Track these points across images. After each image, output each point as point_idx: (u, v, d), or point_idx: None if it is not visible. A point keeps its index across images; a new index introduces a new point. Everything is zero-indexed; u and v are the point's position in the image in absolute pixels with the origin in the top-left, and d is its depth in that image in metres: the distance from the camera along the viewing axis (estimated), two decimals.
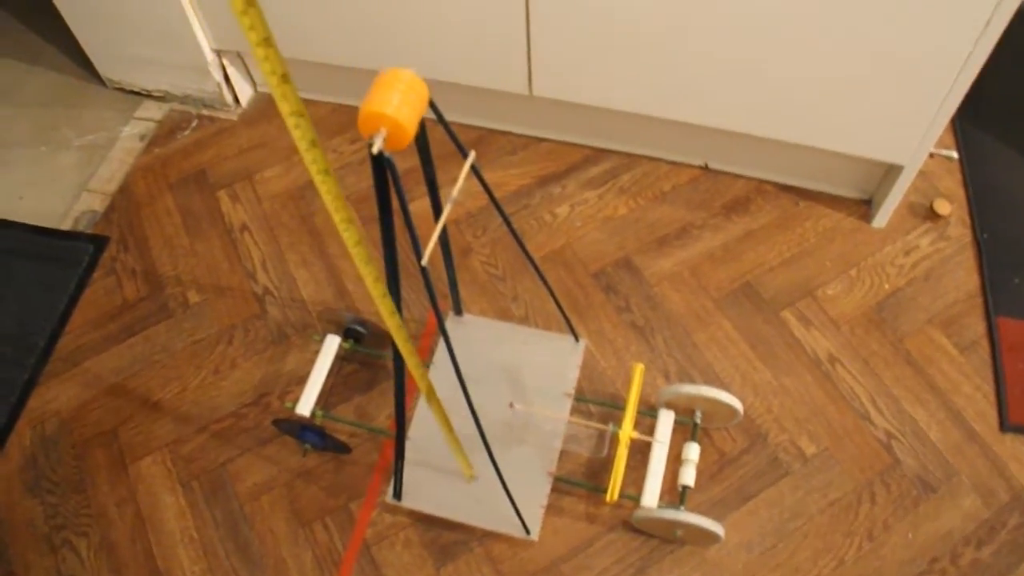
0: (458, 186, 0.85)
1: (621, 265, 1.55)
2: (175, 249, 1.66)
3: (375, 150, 0.72)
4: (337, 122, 1.80)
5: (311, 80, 1.80)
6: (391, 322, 0.89)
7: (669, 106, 1.48)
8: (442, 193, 1.02)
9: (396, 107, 0.72)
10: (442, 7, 1.43)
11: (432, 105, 0.79)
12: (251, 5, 0.56)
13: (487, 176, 1.66)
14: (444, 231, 1.02)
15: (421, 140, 0.87)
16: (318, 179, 0.71)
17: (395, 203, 0.79)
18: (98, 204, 1.75)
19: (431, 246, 0.80)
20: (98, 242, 1.69)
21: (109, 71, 1.88)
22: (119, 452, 1.44)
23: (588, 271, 1.55)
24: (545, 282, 1.19)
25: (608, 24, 1.36)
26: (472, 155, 0.88)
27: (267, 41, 0.59)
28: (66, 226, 1.72)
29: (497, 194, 1.64)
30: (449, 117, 1.75)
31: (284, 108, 0.64)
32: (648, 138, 1.64)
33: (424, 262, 0.80)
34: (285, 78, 0.62)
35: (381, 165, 0.75)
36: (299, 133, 0.67)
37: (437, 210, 1.03)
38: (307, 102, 1.84)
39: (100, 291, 1.62)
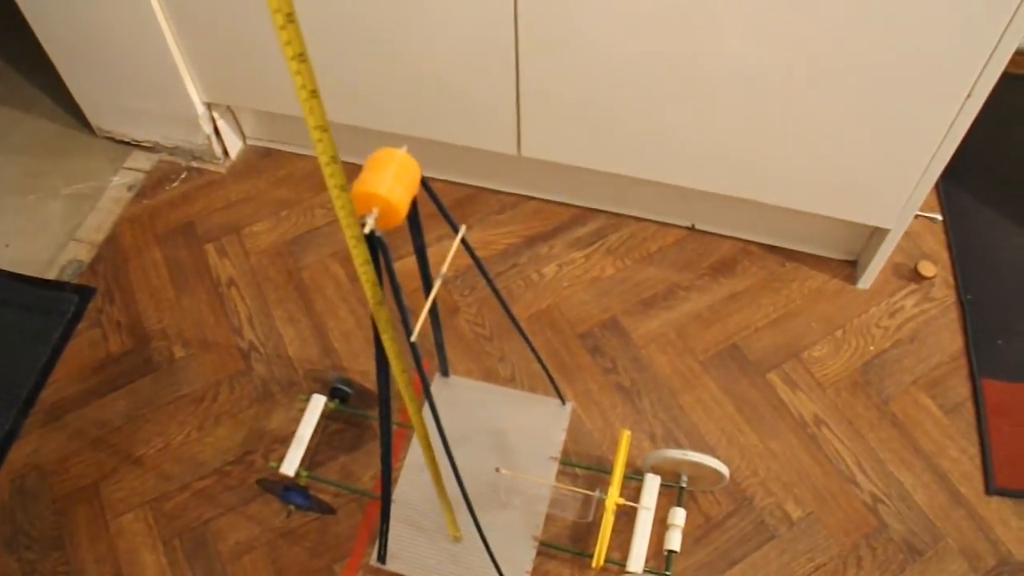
0: (447, 262, 0.86)
1: (608, 326, 1.56)
2: (161, 302, 1.65)
3: (367, 229, 0.73)
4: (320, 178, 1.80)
5: (296, 135, 1.81)
6: (390, 350, 0.89)
7: (655, 168, 1.49)
8: (430, 251, 1.03)
9: (389, 187, 0.73)
10: (434, 68, 1.44)
11: (424, 184, 0.79)
12: (291, 21, 0.57)
13: (475, 235, 1.68)
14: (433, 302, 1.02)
15: (412, 216, 0.87)
16: (334, 193, 0.70)
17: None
18: (84, 254, 1.74)
19: (420, 322, 0.81)
20: (84, 293, 1.68)
21: (99, 121, 1.89)
22: (100, 508, 1.42)
23: (575, 332, 1.56)
24: (530, 345, 1.19)
25: (595, 89, 1.38)
26: (463, 230, 0.89)
27: (301, 56, 0.60)
28: (52, 275, 1.72)
29: (484, 253, 1.65)
30: (438, 175, 1.76)
31: (310, 122, 0.64)
32: (635, 199, 1.66)
33: (413, 338, 0.80)
34: (314, 94, 0.63)
35: (373, 244, 0.76)
36: (321, 147, 0.67)
37: (427, 279, 1.03)
38: (296, 156, 1.85)
39: (84, 343, 1.61)
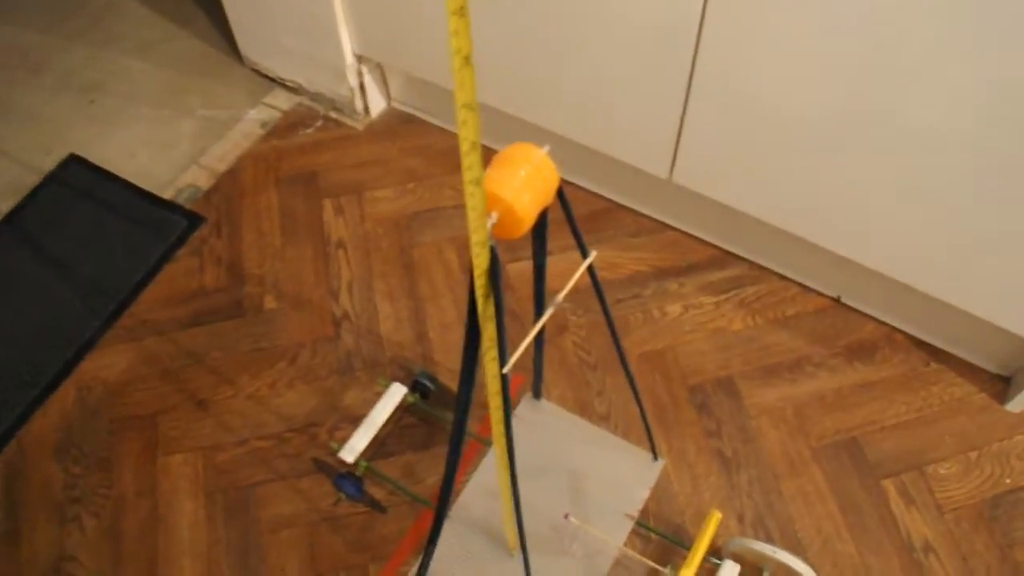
0: (567, 289, 0.74)
1: (722, 385, 1.42)
2: (266, 247, 1.59)
3: None
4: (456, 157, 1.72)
5: (442, 107, 1.72)
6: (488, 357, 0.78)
7: (809, 226, 1.34)
8: (550, 259, 0.91)
9: (515, 191, 0.61)
10: (602, 67, 1.33)
11: (560, 196, 0.68)
12: None
13: (602, 253, 1.55)
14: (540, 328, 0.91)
15: (539, 228, 0.76)
16: (468, 189, 0.58)
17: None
18: (203, 181, 1.70)
19: (520, 352, 0.69)
20: (193, 220, 1.63)
21: (249, 50, 1.84)
22: (153, 441, 1.37)
23: (685, 382, 1.42)
24: (634, 388, 1.07)
25: (762, 133, 1.25)
26: (592, 256, 0.77)
27: (462, 11, 0.49)
28: (167, 195, 1.68)
29: (608, 276, 1.53)
30: (576, 180, 1.65)
31: (459, 97, 0.53)
32: (783, 254, 1.51)
33: (505, 370, 0.69)
34: (468, 61, 0.51)
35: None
36: (464, 131, 0.55)
37: (539, 300, 0.91)
38: (438, 130, 1.76)
39: (181, 270, 1.56)
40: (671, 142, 1.37)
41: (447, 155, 1.72)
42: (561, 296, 0.72)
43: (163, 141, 1.78)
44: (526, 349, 0.67)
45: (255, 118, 1.80)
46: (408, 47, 1.56)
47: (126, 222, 1.63)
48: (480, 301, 0.65)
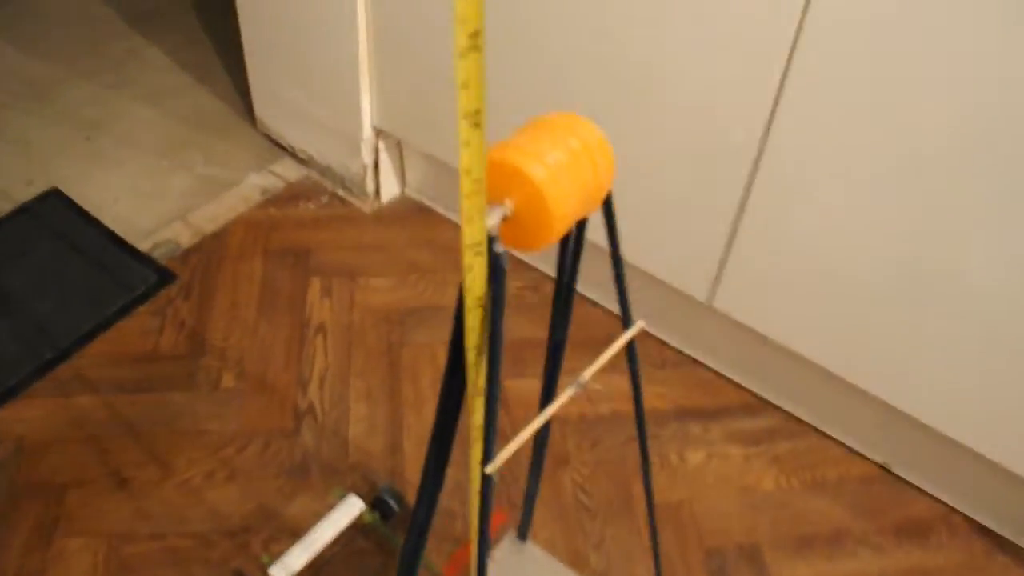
0: (600, 362, 0.53)
1: (746, 553, 1.17)
2: (237, 319, 1.39)
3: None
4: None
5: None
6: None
7: (859, 370, 1.15)
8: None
9: (550, 169, 0.40)
10: (651, 176, 1.17)
11: (607, 208, 0.48)
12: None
13: (616, 382, 1.34)
14: (544, 427, 0.70)
15: (566, 258, 0.55)
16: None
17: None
18: (186, 238, 1.51)
19: (511, 448, 0.48)
20: (164, 276, 1.44)
21: (264, 111, 1.69)
22: (55, 517, 1.13)
23: (702, 544, 1.18)
24: (656, 548, 0.84)
25: (816, 270, 1.08)
26: (639, 325, 0.57)
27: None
28: (143, 247, 1.49)
29: (623, 409, 1.32)
30: (595, 296, 1.46)
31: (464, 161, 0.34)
32: (826, 406, 1.30)
33: (490, 470, 0.48)
34: (478, 119, 0.32)
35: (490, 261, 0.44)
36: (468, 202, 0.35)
37: (548, 391, 0.71)
38: (452, 224, 1.59)
39: (137, 328, 1.36)
40: (714, 264, 1.19)
41: (457, 253, 1.54)
42: (590, 373, 0.51)
43: (152, 191, 1.61)
44: (516, 457, 0.47)
45: (256, 183, 1.64)
46: (430, 122, 1.41)
47: (91, 267, 1.44)
48: (469, 351, 0.44)
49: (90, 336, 1.34)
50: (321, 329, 1.39)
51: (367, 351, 1.36)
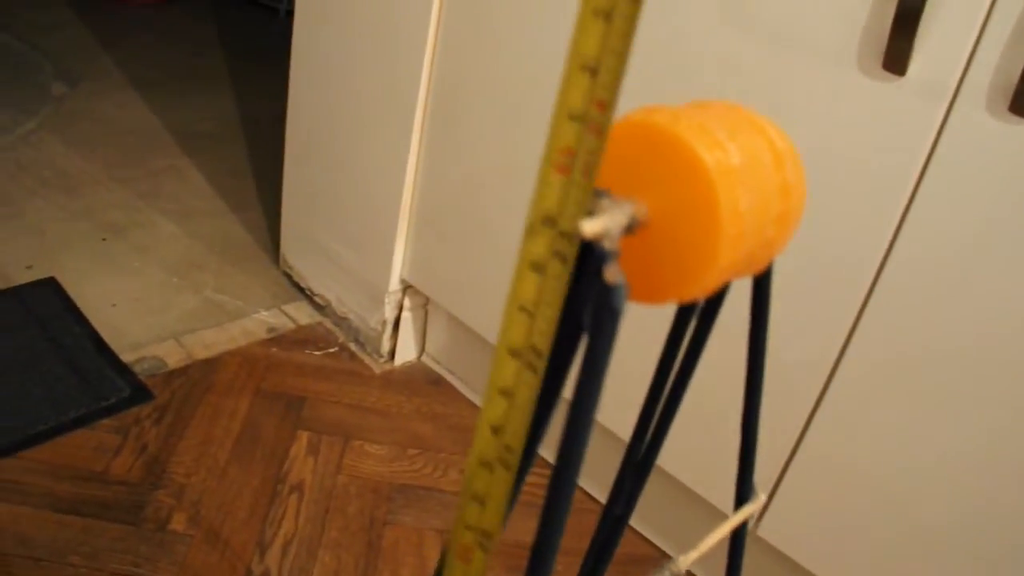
0: (704, 548, 0.38)
1: None
2: (206, 457, 1.22)
3: (588, 230, 0.25)
4: None
5: (481, 377, 1.42)
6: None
7: None
8: None
9: (733, 174, 0.25)
10: (703, 395, 1.04)
11: (763, 278, 0.33)
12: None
13: None
14: None
15: (709, 309, 0.37)
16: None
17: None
18: (174, 360, 1.37)
19: None
20: (139, 394, 1.29)
21: (290, 249, 1.60)
22: None
23: None
24: None
25: (880, 510, 0.92)
26: (758, 502, 0.41)
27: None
28: (126, 358, 1.35)
29: None
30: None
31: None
32: None
33: None
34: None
35: (585, 260, 0.27)
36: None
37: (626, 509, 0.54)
38: (468, 402, 1.45)
39: (92, 442, 1.19)
40: (765, 489, 1.04)
41: (467, 433, 1.39)
42: (690, 559, 0.36)
43: (153, 305, 1.49)
44: None
45: (264, 320, 1.52)
46: (462, 283, 1.30)
47: (64, 365, 1.30)
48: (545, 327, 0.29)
49: (40, 438, 1.18)
50: (298, 488, 1.22)
51: (345, 523, 1.18)
